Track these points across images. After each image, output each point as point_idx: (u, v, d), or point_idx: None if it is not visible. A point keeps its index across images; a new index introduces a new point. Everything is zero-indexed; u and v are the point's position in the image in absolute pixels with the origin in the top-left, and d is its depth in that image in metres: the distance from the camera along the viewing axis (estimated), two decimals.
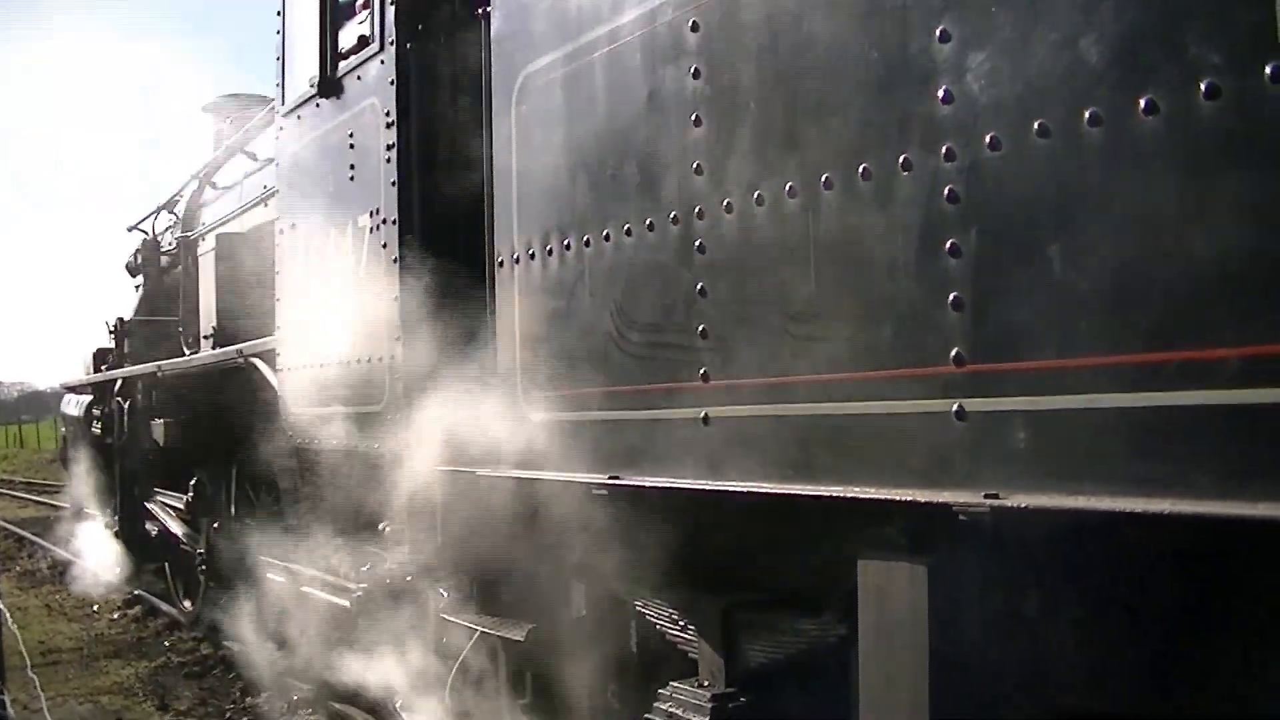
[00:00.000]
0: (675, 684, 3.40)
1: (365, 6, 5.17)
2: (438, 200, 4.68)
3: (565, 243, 3.60)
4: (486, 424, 4.03)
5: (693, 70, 3.05)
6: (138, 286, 11.15)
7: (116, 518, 10.40)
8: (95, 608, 10.68)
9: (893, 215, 2.48)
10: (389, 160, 4.84)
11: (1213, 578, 2.30)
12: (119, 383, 9.86)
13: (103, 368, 10.92)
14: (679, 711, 3.32)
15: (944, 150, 2.35)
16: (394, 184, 4.80)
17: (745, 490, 2.85)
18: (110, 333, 10.80)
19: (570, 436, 3.56)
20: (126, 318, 10.65)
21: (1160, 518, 1.93)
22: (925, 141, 2.40)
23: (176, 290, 9.64)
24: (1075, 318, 2.13)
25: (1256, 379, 1.86)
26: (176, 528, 8.94)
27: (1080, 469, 2.11)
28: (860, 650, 2.63)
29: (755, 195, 2.84)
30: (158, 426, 8.78)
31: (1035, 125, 2.18)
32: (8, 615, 8.68)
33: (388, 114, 4.86)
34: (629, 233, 3.30)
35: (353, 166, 5.19)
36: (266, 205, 7.52)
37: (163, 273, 10.68)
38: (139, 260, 10.99)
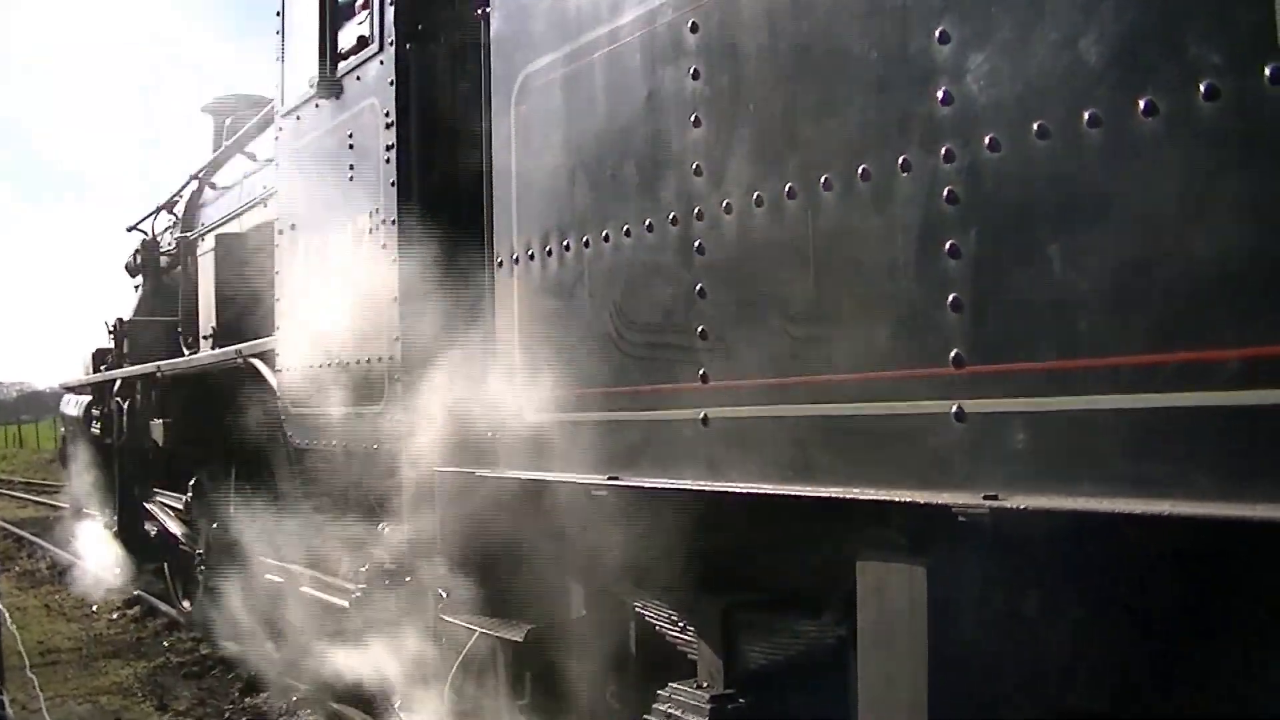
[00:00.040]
0: (674, 685, 3.40)
1: (365, 7, 5.17)
2: (437, 201, 4.67)
3: (565, 243, 3.60)
4: (486, 425, 4.03)
5: (692, 71, 3.05)
6: (137, 287, 11.15)
7: (115, 518, 10.39)
8: (94, 608, 10.67)
9: (892, 216, 2.47)
10: (388, 161, 4.84)
11: (1213, 578, 2.30)
12: (118, 383, 9.85)
13: (102, 368, 10.90)
14: (678, 713, 3.32)
15: (943, 151, 2.35)
16: (393, 184, 4.80)
17: (745, 491, 2.85)
18: (110, 333, 10.79)
19: (570, 437, 3.55)
20: (126, 318, 10.64)
21: (1160, 519, 1.93)
22: (925, 142, 2.40)
23: (176, 290, 9.65)
24: (1075, 319, 2.12)
25: (1256, 380, 1.86)
26: (175, 528, 8.93)
27: (1080, 470, 2.11)
28: (859, 651, 2.63)
29: (755, 196, 2.84)
30: (157, 427, 8.78)
31: (1035, 126, 2.18)
32: (7, 615, 8.68)
33: (387, 114, 4.86)
34: (628, 233, 3.30)
35: (352, 167, 5.19)
36: (266, 205, 7.52)
37: (162, 273, 10.69)
38: (139, 260, 10.98)
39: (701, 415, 3.00)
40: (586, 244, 3.49)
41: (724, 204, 2.94)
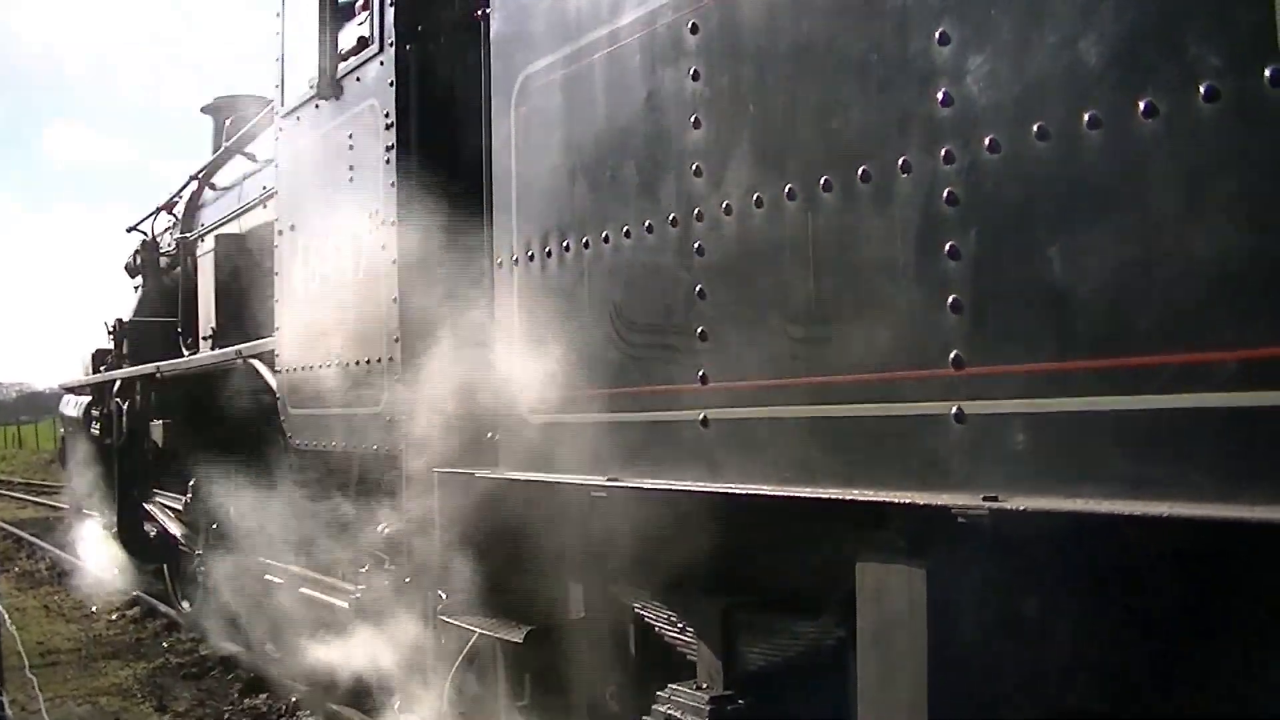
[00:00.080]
0: (674, 686, 3.40)
1: (365, 8, 5.17)
2: (436, 202, 4.68)
3: (565, 244, 3.60)
4: (485, 426, 4.04)
5: (692, 72, 3.05)
6: (137, 287, 11.15)
7: (115, 519, 10.39)
8: (94, 609, 10.67)
9: (892, 217, 2.48)
10: (388, 161, 4.84)
11: (1212, 579, 2.30)
12: (118, 384, 9.85)
13: (101, 369, 10.90)
14: (677, 713, 3.32)
15: (943, 152, 2.35)
16: (393, 185, 4.80)
17: (744, 492, 2.85)
18: (109, 334, 10.79)
19: (569, 438, 3.55)
20: (125, 319, 10.64)
21: (1159, 520, 1.93)
22: (924, 143, 2.40)
23: (175, 291, 9.64)
24: (1075, 320, 2.13)
25: (1255, 382, 1.86)
26: (175, 529, 8.93)
27: (1079, 471, 2.11)
28: (859, 652, 2.63)
29: (754, 197, 2.84)
30: (156, 427, 8.78)
31: (1035, 127, 2.18)
32: (6, 616, 8.68)
33: (387, 115, 4.86)
34: (628, 234, 3.30)
35: (352, 168, 5.19)
36: (265, 206, 7.52)
37: (162, 274, 10.68)
38: (138, 261, 10.98)
39: (701, 416, 3.00)
40: (586, 245, 3.49)
41: (724, 205, 2.94)
